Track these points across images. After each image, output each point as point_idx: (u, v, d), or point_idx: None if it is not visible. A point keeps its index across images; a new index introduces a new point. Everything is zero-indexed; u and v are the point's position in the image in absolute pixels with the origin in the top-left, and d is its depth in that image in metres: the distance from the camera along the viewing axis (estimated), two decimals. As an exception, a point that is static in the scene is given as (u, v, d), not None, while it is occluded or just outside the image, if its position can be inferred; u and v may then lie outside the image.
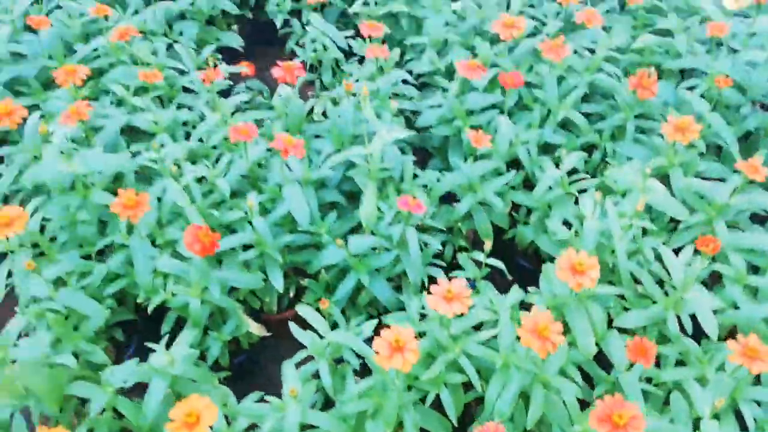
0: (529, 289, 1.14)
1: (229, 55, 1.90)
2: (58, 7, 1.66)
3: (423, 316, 1.08)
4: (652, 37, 1.47)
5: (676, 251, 1.15)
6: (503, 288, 1.19)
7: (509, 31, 1.35)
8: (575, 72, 1.40)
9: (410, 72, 1.59)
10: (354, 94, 1.32)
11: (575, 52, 1.44)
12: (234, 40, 1.85)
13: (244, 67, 1.59)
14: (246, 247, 1.17)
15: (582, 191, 1.21)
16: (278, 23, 1.83)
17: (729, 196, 1.16)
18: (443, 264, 1.22)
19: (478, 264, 1.14)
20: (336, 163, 1.19)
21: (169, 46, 1.67)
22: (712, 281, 1.16)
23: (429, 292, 0.90)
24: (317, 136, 1.41)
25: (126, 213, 1.04)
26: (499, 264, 1.14)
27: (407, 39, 1.66)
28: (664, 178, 1.25)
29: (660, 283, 1.11)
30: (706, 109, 1.30)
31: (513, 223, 1.36)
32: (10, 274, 1.13)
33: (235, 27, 1.97)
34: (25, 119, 1.25)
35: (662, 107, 1.38)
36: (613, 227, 1.07)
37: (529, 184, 1.35)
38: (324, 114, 1.52)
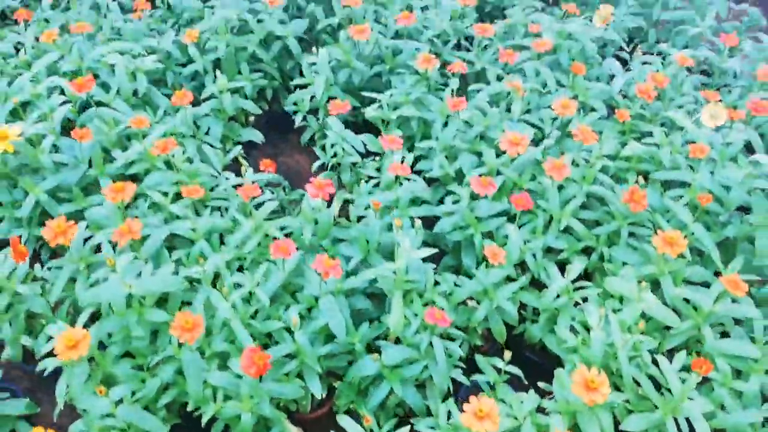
0: (541, 385, 1.28)
1: (248, 145, 2.04)
2: (88, 104, 1.78)
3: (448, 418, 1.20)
4: (639, 146, 1.65)
5: (671, 351, 1.31)
6: (518, 385, 1.33)
7: (515, 148, 1.51)
8: (573, 182, 1.57)
9: (420, 172, 1.75)
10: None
11: (573, 161, 1.61)
12: (255, 135, 2.00)
13: (272, 174, 1.73)
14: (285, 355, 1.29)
15: (585, 299, 1.36)
16: (297, 121, 1.98)
17: (713, 303, 1.32)
18: (463, 366, 1.35)
19: (497, 369, 1.28)
20: (368, 278, 1.32)
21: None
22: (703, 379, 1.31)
23: (452, 395, 1.00)
24: (341, 240, 1.55)
25: (184, 336, 1.15)
26: (517, 371, 1.28)
27: (418, 142, 1.82)
28: (656, 284, 1.41)
29: (654, 380, 1.25)
30: (689, 219, 1.47)
31: (521, 317, 1.50)
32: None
33: (252, 118, 2.11)
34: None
35: (650, 212, 1.55)
36: (616, 338, 1.21)
37: (535, 283, 1.50)
38: (344, 212, 1.67)
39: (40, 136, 1.66)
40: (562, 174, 1.44)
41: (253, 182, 1.60)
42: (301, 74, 2.12)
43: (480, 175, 1.61)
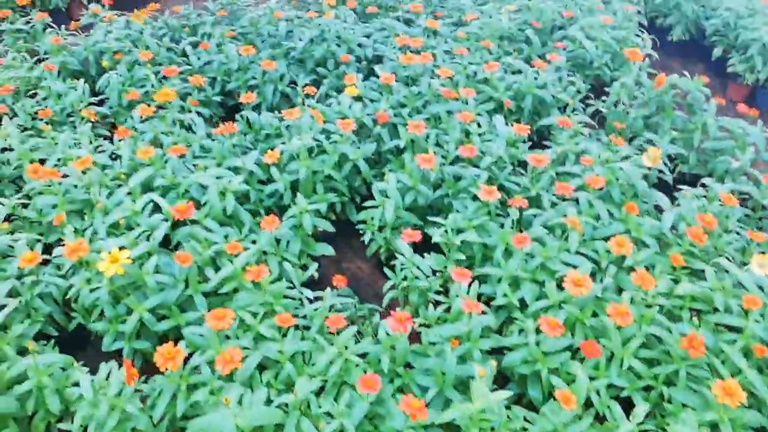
0: None
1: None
2: (183, 221, 1.97)
3: None
4: (691, 286, 1.77)
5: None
6: None
7: (578, 289, 1.65)
8: (633, 321, 1.69)
9: (480, 296, 1.88)
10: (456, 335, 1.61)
11: (631, 299, 1.74)
12: (327, 250, 2.16)
13: (345, 289, 1.89)
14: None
15: (651, 443, 1.46)
16: (366, 238, 2.15)
17: (774, 455, 1.40)
18: (536, 503, 1.43)
19: None
20: (449, 419, 1.43)
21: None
22: None
23: None
24: (412, 366, 1.67)
25: (288, 472, 1.27)
26: None
27: (479, 266, 1.97)
28: (715, 427, 1.50)
29: None
30: (744, 365, 1.57)
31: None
32: None
33: (320, 229, 2.29)
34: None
35: (706, 354, 1.65)
36: (685, 492, 1.30)
37: (599, 418, 1.60)
38: (415, 335, 1.80)
39: (142, 255, 1.85)
40: (626, 321, 1.56)
41: (332, 308, 1.76)
42: (368, 190, 2.31)
43: (545, 309, 1.75)
